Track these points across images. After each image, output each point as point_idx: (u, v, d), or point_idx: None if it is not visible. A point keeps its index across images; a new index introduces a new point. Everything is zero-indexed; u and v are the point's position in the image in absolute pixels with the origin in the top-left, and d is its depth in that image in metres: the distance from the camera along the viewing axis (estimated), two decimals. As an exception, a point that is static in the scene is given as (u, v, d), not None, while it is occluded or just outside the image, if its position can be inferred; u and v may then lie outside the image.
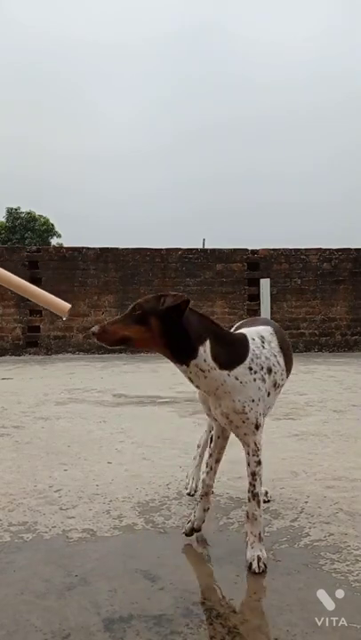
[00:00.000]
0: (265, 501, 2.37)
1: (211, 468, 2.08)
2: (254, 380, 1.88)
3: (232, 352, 1.87)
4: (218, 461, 2.10)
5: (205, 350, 1.80)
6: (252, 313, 9.53)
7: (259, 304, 9.65)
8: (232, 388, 1.85)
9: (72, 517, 2.28)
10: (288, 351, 2.13)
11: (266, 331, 2.06)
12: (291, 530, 2.14)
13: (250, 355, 1.90)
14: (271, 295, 9.65)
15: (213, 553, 1.95)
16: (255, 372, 1.89)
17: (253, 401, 1.87)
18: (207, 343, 1.81)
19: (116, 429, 3.82)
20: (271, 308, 9.59)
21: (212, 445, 2.10)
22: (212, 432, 2.12)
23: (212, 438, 2.11)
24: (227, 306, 9.75)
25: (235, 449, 2.05)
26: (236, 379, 1.85)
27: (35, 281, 9.29)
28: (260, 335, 2.00)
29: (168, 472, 2.83)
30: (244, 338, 1.95)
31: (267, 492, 2.41)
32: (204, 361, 1.80)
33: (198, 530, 2.05)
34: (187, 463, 2.73)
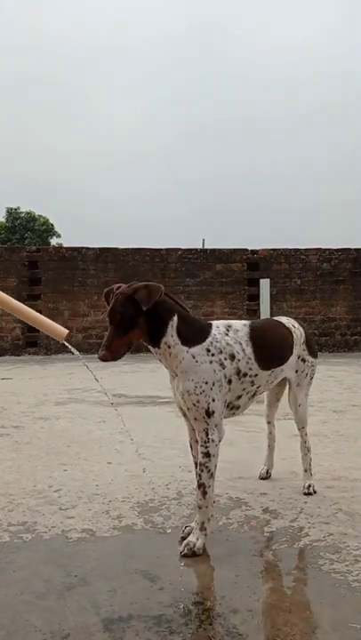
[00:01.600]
0: (266, 478, 2.62)
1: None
2: (210, 362, 1.95)
3: (193, 331, 1.97)
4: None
5: (172, 326, 1.92)
6: (252, 313, 9.53)
7: (258, 304, 9.64)
8: (188, 366, 1.93)
9: (71, 517, 2.28)
10: (269, 345, 2.19)
11: (238, 323, 2.14)
12: (290, 530, 2.14)
13: (210, 338, 1.99)
14: (271, 295, 9.63)
15: (213, 553, 1.95)
16: (212, 355, 1.96)
17: (207, 383, 1.93)
18: (174, 319, 1.93)
19: (116, 429, 3.81)
20: (271, 309, 9.57)
21: (193, 453, 2.14)
22: (189, 439, 2.16)
23: (191, 445, 2.15)
24: (226, 306, 9.75)
25: (234, 449, 2.06)
26: (193, 357, 1.94)
27: (34, 281, 9.30)
28: (227, 325, 2.10)
29: (168, 472, 2.83)
30: (207, 323, 2.09)
31: (310, 486, 2.51)
32: (171, 336, 1.92)
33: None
34: (186, 463, 2.73)
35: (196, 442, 2.04)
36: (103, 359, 1.86)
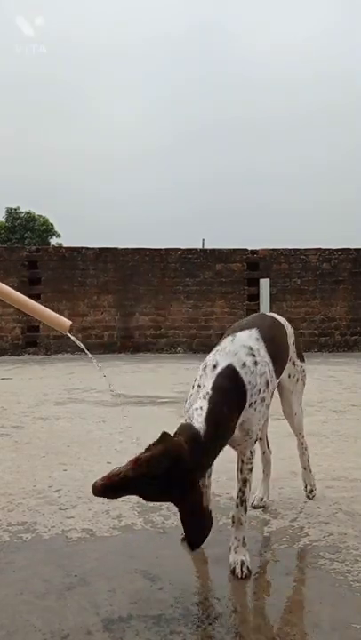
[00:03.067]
0: (261, 507, 2.37)
1: (205, 487, 1.94)
2: (255, 409, 1.77)
3: (233, 416, 1.70)
4: (209, 476, 1.99)
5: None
6: (252, 313, 9.53)
7: (258, 304, 9.65)
8: (238, 429, 1.77)
9: (71, 517, 2.28)
10: (278, 349, 2.01)
11: (252, 338, 1.85)
12: (290, 530, 2.14)
13: (247, 394, 1.73)
14: (271, 295, 9.65)
15: (213, 553, 1.95)
16: (255, 402, 1.76)
17: (258, 425, 1.82)
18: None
19: (116, 429, 3.81)
20: (271, 308, 9.58)
21: None
22: None
23: None
24: (226, 306, 9.75)
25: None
26: (241, 423, 1.75)
27: (34, 281, 9.30)
28: (248, 349, 1.79)
29: (167, 472, 2.83)
30: (236, 378, 1.72)
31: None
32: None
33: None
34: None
35: None
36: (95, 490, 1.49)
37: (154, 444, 1.51)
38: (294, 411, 2.34)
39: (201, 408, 1.62)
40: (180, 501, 1.51)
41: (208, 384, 1.70)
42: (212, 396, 1.64)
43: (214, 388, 1.67)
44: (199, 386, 1.73)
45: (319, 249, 10.01)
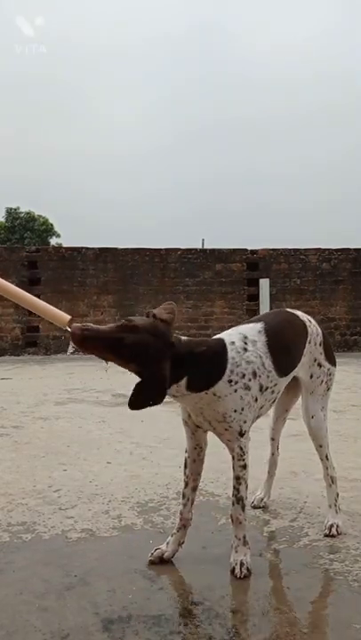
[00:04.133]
0: (260, 507, 2.36)
1: (188, 499, 1.94)
2: (235, 390, 1.77)
3: (207, 372, 1.76)
4: (195, 490, 1.97)
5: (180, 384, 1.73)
6: (252, 313, 9.52)
7: (258, 304, 9.64)
8: (210, 401, 1.77)
9: (71, 517, 2.28)
10: (286, 347, 1.98)
11: (253, 329, 1.91)
12: (290, 530, 2.14)
13: (228, 366, 1.78)
14: (270, 295, 9.64)
15: (212, 553, 1.95)
16: (235, 383, 1.77)
17: (236, 411, 1.78)
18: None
19: (116, 429, 3.81)
20: (270, 308, 9.58)
21: (186, 472, 1.96)
22: (186, 455, 1.97)
23: (186, 463, 1.97)
24: (226, 306, 9.75)
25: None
26: (214, 394, 1.76)
27: (34, 281, 9.29)
28: (242, 336, 1.87)
29: (167, 472, 2.83)
30: (220, 346, 1.82)
31: (333, 526, 2.12)
32: (176, 390, 1.73)
33: (168, 561, 1.89)
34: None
35: (194, 461, 1.94)
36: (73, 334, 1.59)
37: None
38: (311, 413, 2.15)
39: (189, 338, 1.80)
40: (145, 366, 1.64)
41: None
42: (197, 340, 1.85)
43: (201, 340, 1.87)
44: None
45: (319, 249, 10.01)
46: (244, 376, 1.80)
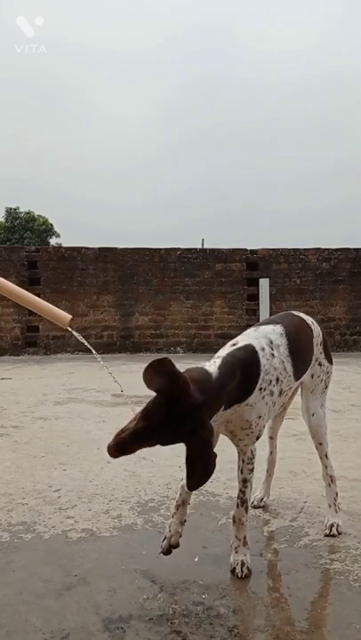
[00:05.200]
0: (260, 507, 2.36)
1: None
2: (263, 397, 1.76)
3: (245, 386, 1.71)
4: None
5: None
6: (252, 313, 9.53)
7: (258, 304, 9.65)
8: (242, 412, 1.74)
9: (71, 517, 2.28)
10: (302, 351, 1.97)
11: (275, 332, 1.88)
12: (290, 529, 2.14)
13: (261, 374, 1.75)
14: (270, 295, 9.65)
15: (213, 553, 1.95)
16: (264, 390, 1.76)
17: (260, 417, 1.78)
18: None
19: (116, 429, 3.81)
20: (270, 308, 9.58)
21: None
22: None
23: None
24: (226, 306, 9.74)
25: (234, 448, 2.04)
26: (247, 404, 1.74)
27: (34, 281, 9.29)
28: (269, 341, 1.83)
29: (167, 472, 2.83)
30: (253, 354, 1.77)
31: (334, 525, 2.12)
32: (213, 420, 1.61)
33: (176, 546, 1.83)
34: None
35: None
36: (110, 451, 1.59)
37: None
38: (311, 411, 2.16)
39: (214, 361, 1.68)
40: (191, 438, 1.50)
41: (224, 354, 1.74)
42: (226, 358, 1.70)
43: (231, 353, 1.73)
44: (216, 357, 1.75)
45: (319, 249, 10.01)
46: (270, 382, 1.79)
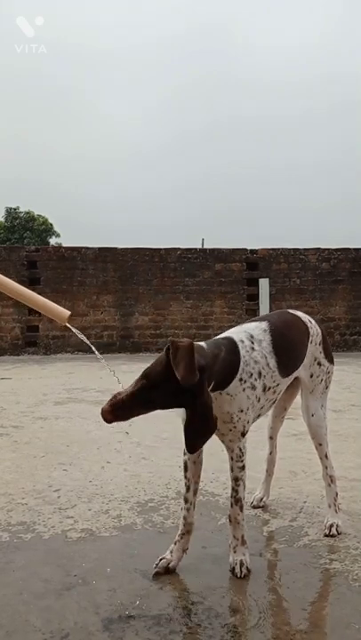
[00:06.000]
0: (260, 507, 2.36)
1: (191, 504, 1.88)
2: (243, 389, 1.79)
3: (226, 372, 1.75)
4: (196, 493, 1.90)
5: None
6: (251, 313, 9.53)
7: (258, 304, 9.65)
8: (222, 401, 1.77)
9: (71, 517, 2.28)
10: (289, 347, 1.98)
11: (258, 328, 1.92)
12: (290, 529, 2.14)
13: (241, 364, 1.79)
14: (270, 295, 9.65)
15: (212, 553, 1.95)
16: (245, 382, 1.79)
17: (242, 411, 1.79)
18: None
19: (115, 429, 3.81)
20: (270, 308, 9.58)
21: (188, 475, 1.90)
22: (185, 457, 1.90)
23: (186, 466, 1.90)
24: (226, 306, 9.74)
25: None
26: (228, 394, 1.77)
27: (34, 281, 9.29)
28: (249, 335, 1.88)
29: (167, 472, 2.83)
30: (233, 345, 1.82)
31: (333, 525, 2.11)
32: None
33: (173, 570, 1.82)
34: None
35: (194, 462, 1.91)
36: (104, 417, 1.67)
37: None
38: (311, 411, 2.14)
39: (200, 343, 1.74)
40: (191, 402, 1.57)
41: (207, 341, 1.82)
42: (210, 341, 1.82)
43: (212, 340, 1.84)
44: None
45: (319, 249, 10.01)
46: (251, 375, 1.81)
